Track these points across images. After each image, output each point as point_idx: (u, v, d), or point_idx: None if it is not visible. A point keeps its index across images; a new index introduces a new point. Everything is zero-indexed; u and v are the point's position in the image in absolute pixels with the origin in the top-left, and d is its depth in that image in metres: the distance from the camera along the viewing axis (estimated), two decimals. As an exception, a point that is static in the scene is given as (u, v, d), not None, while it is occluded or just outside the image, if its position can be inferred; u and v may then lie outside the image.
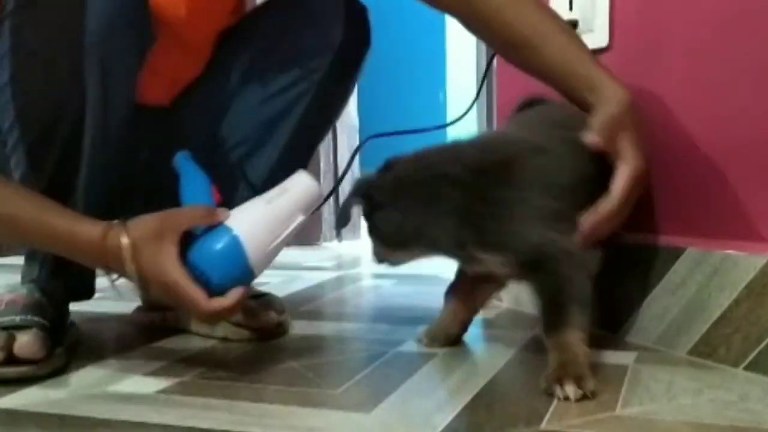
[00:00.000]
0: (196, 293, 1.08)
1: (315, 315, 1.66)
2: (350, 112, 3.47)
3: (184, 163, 1.22)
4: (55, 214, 1.10)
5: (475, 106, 1.47)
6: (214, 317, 1.13)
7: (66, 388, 1.12)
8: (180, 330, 1.47)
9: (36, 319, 1.23)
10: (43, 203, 1.11)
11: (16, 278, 1.37)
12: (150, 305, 1.58)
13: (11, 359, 1.15)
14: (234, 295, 1.10)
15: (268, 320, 1.42)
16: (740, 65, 1.16)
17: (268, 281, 1.91)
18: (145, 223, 1.10)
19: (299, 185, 1.19)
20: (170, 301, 1.15)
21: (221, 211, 1.14)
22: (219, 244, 1.11)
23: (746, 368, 1.11)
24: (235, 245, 1.11)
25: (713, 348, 1.16)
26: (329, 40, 1.45)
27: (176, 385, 1.12)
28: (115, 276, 1.13)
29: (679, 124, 1.26)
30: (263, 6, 1.56)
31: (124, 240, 1.07)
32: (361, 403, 1.02)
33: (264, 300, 1.45)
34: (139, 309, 1.65)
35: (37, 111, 1.24)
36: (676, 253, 1.22)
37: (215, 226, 1.12)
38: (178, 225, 1.10)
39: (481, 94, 1.51)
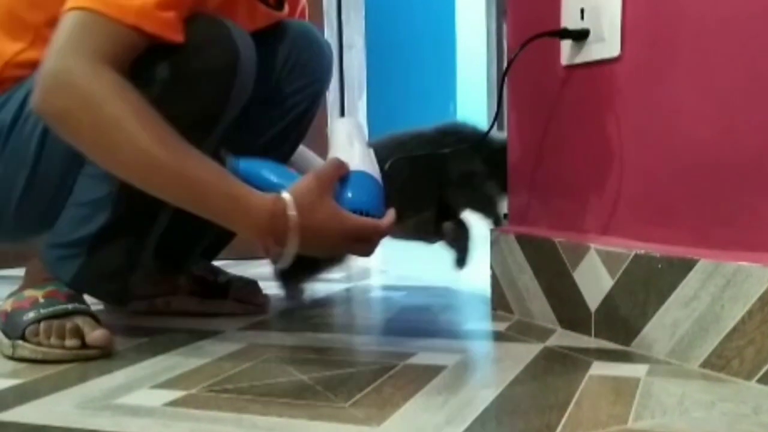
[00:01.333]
0: (370, 222, 1.24)
1: (324, 327, 1.65)
2: (361, 123, 3.46)
3: (241, 163, 1.28)
4: (234, 180, 1.21)
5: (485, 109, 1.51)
6: (388, 231, 1.27)
7: (73, 401, 1.12)
8: (174, 314, 1.70)
9: (83, 306, 1.41)
10: (222, 170, 1.22)
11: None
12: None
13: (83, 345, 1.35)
14: (390, 213, 1.27)
15: (263, 298, 1.79)
16: (753, 74, 1.16)
17: (278, 293, 1.92)
18: (303, 186, 1.22)
19: (348, 123, 1.40)
20: (338, 247, 1.28)
21: (341, 161, 1.27)
22: (365, 183, 1.28)
23: (759, 381, 1.11)
24: (375, 181, 1.29)
25: (726, 360, 1.16)
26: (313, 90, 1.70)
27: (184, 398, 1.12)
28: (273, 251, 1.23)
29: (690, 133, 1.26)
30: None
31: (290, 202, 1.19)
32: (371, 417, 1.01)
33: (255, 284, 1.80)
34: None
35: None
36: (689, 265, 1.22)
37: (346, 174, 1.27)
38: (329, 180, 1.23)
39: (491, 102, 1.53)
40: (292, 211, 1.18)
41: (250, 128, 1.59)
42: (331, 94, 2.84)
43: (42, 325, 1.34)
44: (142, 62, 1.28)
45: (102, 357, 1.35)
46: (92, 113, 1.20)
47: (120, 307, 1.51)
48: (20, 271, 1.48)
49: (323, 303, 1.91)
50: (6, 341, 1.37)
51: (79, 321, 1.37)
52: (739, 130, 1.18)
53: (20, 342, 1.35)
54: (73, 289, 1.41)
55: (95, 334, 1.36)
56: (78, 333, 1.35)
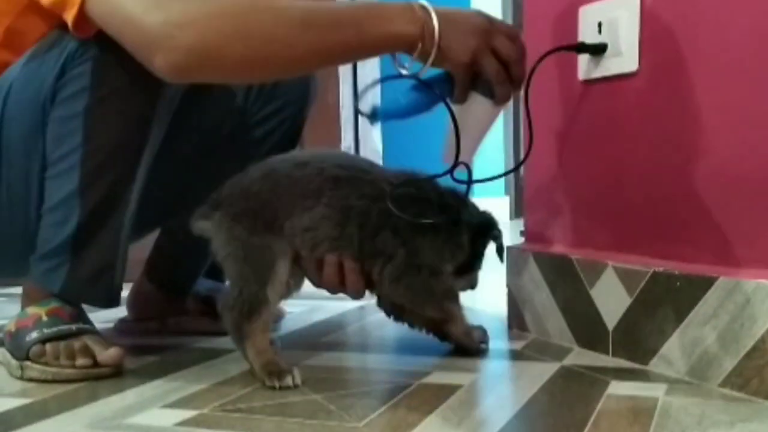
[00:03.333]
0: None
1: (337, 345, 1.66)
2: (374, 138, 3.47)
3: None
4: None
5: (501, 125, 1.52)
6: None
7: (83, 421, 1.13)
8: (185, 333, 1.70)
9: (88, 326, 1.41)
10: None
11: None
12: (137, 315, 1.79)
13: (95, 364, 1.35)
14: None
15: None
16: (772, 90, 1.16)
17: (291, 311, 1.92)
18: None
19: None
20: (483, 33, 1.29)
21: None
22: None
23: (780, 401, 1.11)
24: None
25: (746, 380, 1.15)
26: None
27: (195, 418, 1.12)
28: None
29: (709, 149, 1.26)
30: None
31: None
32: (384, 437, 1.02)
33: None
34: (124, 320, 1.79)
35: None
36: (708, 283, 1.21)
37: None
38: None
39: (506, 117, 1.53)
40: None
41: (224, 162, 1.57)
42: (345, 110, 2.84)
43: (48, 347, 1.34)
44: None
45: (113, 376, 1.35)
46: (234, 23, 1.22)
47: (113, 307, 1.48)
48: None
49: (336, 321, 1.92)
50: (14, 362, 1.37)
51: (88, 340, 1.37)
52: (759, 146, 1.18)
53: (27, 363, 1.35)
54: (64, 300, 1.39)
55: (108, 353, 1.36)
56: (88, 352, 1.35)
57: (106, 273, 1.41)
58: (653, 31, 1.36)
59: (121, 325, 1.79)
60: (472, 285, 1.49)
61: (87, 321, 1.42)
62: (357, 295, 1.43)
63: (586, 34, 1.48)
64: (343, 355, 1.56)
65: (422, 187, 1.41)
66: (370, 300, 1.48)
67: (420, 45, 1.25)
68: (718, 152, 1.25)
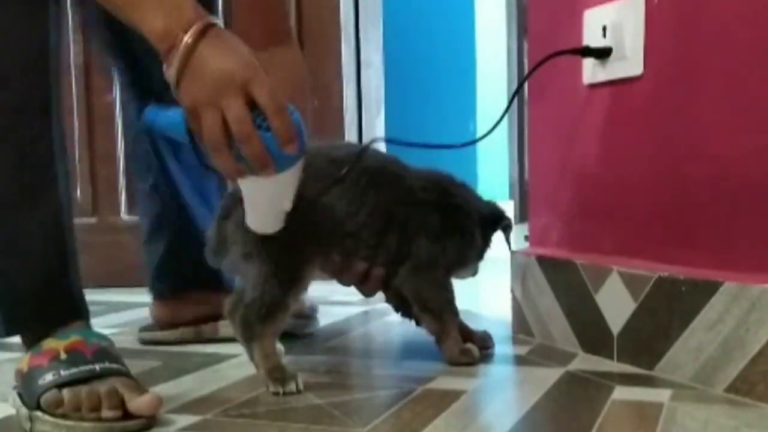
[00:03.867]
0: None
1: (341, 350, 1.66)
2: (380, 143, 3.47)
3: (157, 113, 1.20)
4: None
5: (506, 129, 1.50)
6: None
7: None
8: (209, 341, 1.64)
9: (116, 366, 1.18)
10: None
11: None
12: (163, 323, 1.69)
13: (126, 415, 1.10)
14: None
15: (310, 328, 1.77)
16: (777, 94, 1.16)
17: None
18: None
19: None
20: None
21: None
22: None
23: (786, 406, 1.11)
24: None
25: (751, 385, 1.16)
26: None
27: (199, 423, 1.13)
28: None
29: (714, 154, 1.26)
30: None
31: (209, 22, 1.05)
32: (388, 442, 1.02)
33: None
34: (148, 329, 1.71)
35: None
36: (713, 288, 1.21)
37: None
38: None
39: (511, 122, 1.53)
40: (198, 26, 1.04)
41: None
42: (349, 113, 2.85)
43: (66, 393, 1.10)
44: None
45: (144, 429, 1.11)
46: None
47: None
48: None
49: (341, 326, 1.92)
50: (23, 411, 1.13)
51: (117, 383, 1.13)
52: (765, 150, 1.18)
53: (38, 414, 1.10)
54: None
55: (142, 400, 1.12)
56: (117, 399, 1.10)
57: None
58: (658, 35, 1.36)
59: (145, 335, 1.71)
60: (474, 272, 1.54)
61: (115, 358, 1.19)
62: (371, 294, 1.45)
63: (591, 38, 1.48)
64: (347, 359, 1.56)
65: (450, 192, 1.42)
66: (374, 305, 1.48)
67: (166, 54, 1.05)
68: (723, 156, 1.25)
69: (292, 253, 1.31)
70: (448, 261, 1.43)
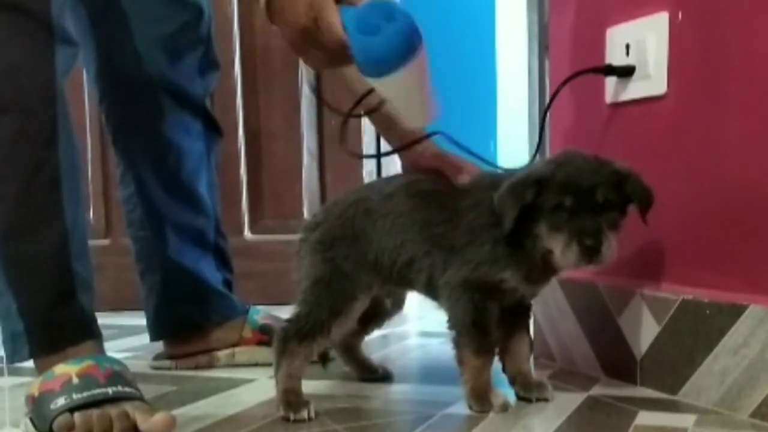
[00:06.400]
0: None
1: (359, 375, 1.66)
2: (397, 163, 3.47)
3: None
4: None
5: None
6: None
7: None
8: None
9: (129, 390, 1.21)
10: None
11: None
12: (178, 351, 1.69)
13: None
14: None
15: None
16: (803, 113, 1.16)
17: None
18: None
19: None
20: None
21: None
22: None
23: (813, 432, 1.11)
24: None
25: (778, 411, 1.16)
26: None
27: (214, 448, 1.13)
28: None
29: (739, 173, 1.26)
30: None
31: None
32: (407, 467, 1.02)
33: None
34: (161, 357, 1.71)
35: None
36: (738, 311, 1.22)
37: None
38: None
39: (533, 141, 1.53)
40: None
41: None
42: (367, 135, 2.85)
43: (77, 417, 1.13)
44: None
45: None
46: None
47: None
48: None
49: (358, 350, 1.92)
50: None
51: (128, 406, 1.16)
52: (790, 170, 1.19)
53: None
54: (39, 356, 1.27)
55: (154, 421, 1.14)
56: (128, 422, 1.14)
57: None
58: (682, 54, 1.37)
59: (159, 363, 1.72)
60: None
61: (128, 382, 1.22)
62: None
63: (614, 57, 1.49)
64: (364, 384, 1.56)
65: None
66: (393, 329, 1.48)
67: None
68: (748, 176, 1.25)
69: (350, 280, 1.32)
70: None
